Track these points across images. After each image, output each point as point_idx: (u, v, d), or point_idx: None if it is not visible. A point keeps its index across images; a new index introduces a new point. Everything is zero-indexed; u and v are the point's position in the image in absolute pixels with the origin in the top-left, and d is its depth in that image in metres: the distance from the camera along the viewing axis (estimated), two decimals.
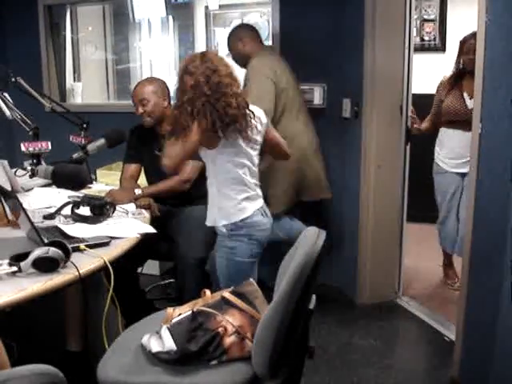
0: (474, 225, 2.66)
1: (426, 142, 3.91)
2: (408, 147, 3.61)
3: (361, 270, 3.81)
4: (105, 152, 3.18)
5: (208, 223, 2.57)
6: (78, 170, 2.35)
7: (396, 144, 3.65)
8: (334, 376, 2.95)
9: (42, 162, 2.57)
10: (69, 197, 2.69)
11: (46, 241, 2.07)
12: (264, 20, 5.33)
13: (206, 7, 5.53)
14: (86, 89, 5.04)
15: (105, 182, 3.54)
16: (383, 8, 3.42)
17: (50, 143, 2.36)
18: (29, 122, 2.39)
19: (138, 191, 2.99)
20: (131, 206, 2.83)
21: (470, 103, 3.38)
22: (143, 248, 2.92)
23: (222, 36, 5.47)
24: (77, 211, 2.56)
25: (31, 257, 1.87)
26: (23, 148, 2.30)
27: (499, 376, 2.50)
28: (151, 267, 4.08)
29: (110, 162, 4.04)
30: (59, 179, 2.28)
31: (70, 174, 2.30)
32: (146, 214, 2.75)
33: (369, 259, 3.78)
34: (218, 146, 2.40)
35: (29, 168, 2.33)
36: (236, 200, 2.48)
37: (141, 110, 3.11)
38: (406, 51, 3.53)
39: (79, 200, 2.61)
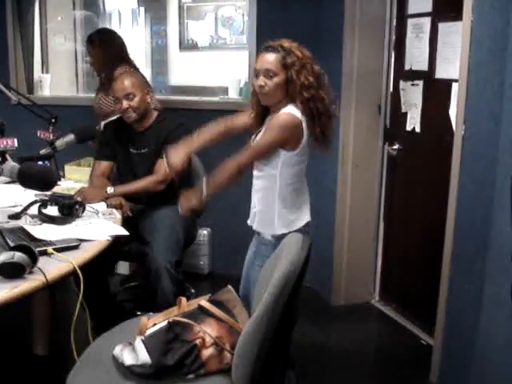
0: (456, 228, 2.62)
1: None
2: (386, 146, 3.54)
3: (336, 271, 3.75)
4: (73, 146, 3.05)
5: (264, 231, 2.40)
6: (46, 171, 2.22)
7: (374, 143, 3.59)
8: (308, 381, 2.87)
9: (9, 159, 2.44)
10: (36, 195, 2.56)
11: (11, 244, 1.96)
12: (239, 14, 5.23)
13: None
14: (55, 81, 4.87)
15: (73, 178, 3.40)
16: (364, 5, 3.36)
17: (16, 140, 2.23)
18: None
19: (110, 190, 2.88)
20: (101, 206, 2.71)
21: None
22: (114, 249, 2.82)
23: (195, 29, 5.37)
24: (44, 211, 2.43)
25: None
26: None
27: (479, 381, 2.47)
28: (121, 266, 3.99)
29: (79, 158, 3.89)
30: (25, 180, 2.15)
31: (36, 175, 2.17)
32: (118, 215, 2.63)
33: (344, 260, 3.73)
34: (298, 147, 2.28)
35: None
36: (295, 207, 2.37)
37: (126, 105, 2.96)
38: (386, 50, 3.45)
39: (47, 199, 2.48)
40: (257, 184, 2.41)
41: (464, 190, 2.56)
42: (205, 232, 4.17)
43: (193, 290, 3.59)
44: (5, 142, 2.16)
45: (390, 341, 3.37)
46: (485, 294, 2.43)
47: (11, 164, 2.16)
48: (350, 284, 3.77)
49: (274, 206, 2.34)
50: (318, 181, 3.77)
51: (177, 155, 2.44)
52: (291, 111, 2.25)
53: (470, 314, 2.54)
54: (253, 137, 2.43)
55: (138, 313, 2.95)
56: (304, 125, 2.26)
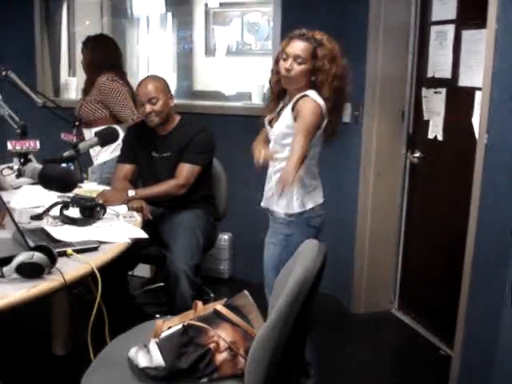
0: (477, 238, 2.58)
1: None
2: (409, 154, 3.51)
3: (356, 279, 3.72)
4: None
5: (280, 210, 2.51)
6: (67, 173, 2.25)
7: (396, 151, 3.56)
8: None
9: (33, 160, 2.47)
10: (58, 196, 2.59)
11: (31, 244, 1.98)
12: (265, 20, 5.24)
13: (206, 5, 5.43)
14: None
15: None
16: (388, 11, 3.35)
17: (38, 142, 2.25)
18: (17, 119, 2.28)
19: (131, 193, 2.89)
20: (123, 208, 2.74)
21: None
22: (134, 252, 2.84)
23: (221, 34, 5.39)
24: (66, 212, 2.47)
25: (15, 262, 1.78)
26: (10, 146, 2.19)
27: None
28: (142, 269, 3.99)
29: None
30: (46, 181, 2.18)
31: (57, 177, 2.19)
32: (138, 218, 2.65)
33: (365, 268, 3.71)
34: (317, 133, 2.43)
35: (15, 167, 2.23)
36: (311, 188, 2.54)
37: (149, 109, 2.99)
38: (410, 56, 3.43)
39: (69, 200, 2.51)
40: (275, 165, 2.52)
41: (486, 199, 2.52)
42: (226, 237, 4.18)
43: (212, 295, 3.60)
44: (27, 144, 2.18)
45: (409, 351, 3.33)
46: (506, 305, 2.39)
47: (33, 165, 2.19)
48: (370, 292, 3.74)
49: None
50: (340, 188, 3.76)
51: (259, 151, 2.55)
52: (316, 98, 2.39)
53: (490, 326, 2.49)
54: (266, 119, 2.60)
55: (157, 316, 2.97)
56: (324, 112, 2.41)
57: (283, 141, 2.45)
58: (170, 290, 2.81)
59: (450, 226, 3.18)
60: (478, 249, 2.59)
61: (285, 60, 2.41)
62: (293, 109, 2.41)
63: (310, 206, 2.50)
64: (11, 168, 2.23)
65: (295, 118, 2.39)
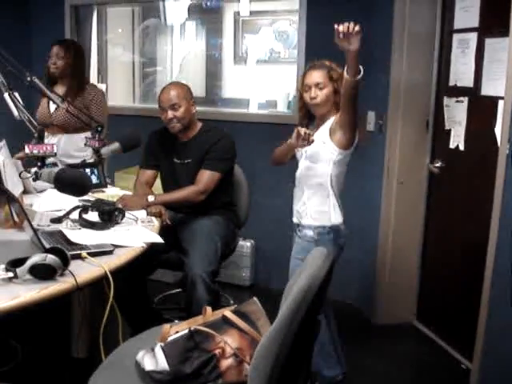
0: (497, 250, 2.54)
1: None
2: (429, 164, 3.47)
3: (378, 289, 3.69)
4: (125, 154, 3.13)
5: (313, 223, 2.72)
6: (80, 177, 2.27)
7: (420, 160, 3.52)
8: None
9: (59, 165, 2.52)
10: (79, 200, 2.63)
11: (47, 246, 2.01)
12: (293, 28, 5.24)
13: (236, 13, 5.45)
14: (112, 91, 5.01)
15: (122, 185, 3.48)
16: (412, 20, 3.33)
17: (55, 146, 2.30)
18: (35, 123, 2.33)
19: (150, 198, 2.92)
20: (142, 213, 2.76)
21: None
22: (153, 256, 2.87)
23: (250, 42, 5.41)
24: (85, 216, 2.50)
25: (28, 263, 1.81)
26: (27, 150, 2.23)
27: None
28: (165, 275, 4.02)
29: (130, 165, 3.98)
30: (61, 184, 2.21)
31: (71, 180, 2.23)
32: (156, 223, 2.67)
33: (387, 278, 3.67)
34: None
35: (33, 171, 2.27)
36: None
37: (171, 115, 3.02)
38: (436, 64, 3.39)
39: (89, 204, 2.55)
40: (308, 181, 2.74)
41: (507, 210, 2.49)
42: (248, 244, 4.18)
43: (232, 301, 3.60)
44: (44, 148, 2.22)
45: (429, 363, 3.27)
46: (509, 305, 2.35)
47: (49, 169, 2.23)
48: (391, 303, 3.70)
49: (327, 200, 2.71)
50: (363, 197, 3.74)
51: None
52: None
53: (509, 339, 2.45)
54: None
55: (176, 321, 2.97)
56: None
57: (319, 156, 2.66)
58: (187, 296, 2.82)
59: (471, 236, 3.13)
60: (498, 260, 2.55)
61: (307, 91, 2.67)
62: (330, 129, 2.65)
63: (340, 219, 2.72)
64: (29, 171, 2.27)
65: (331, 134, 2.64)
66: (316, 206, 2.71)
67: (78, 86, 3.66)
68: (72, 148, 3.64)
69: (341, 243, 2.73)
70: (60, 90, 3.65)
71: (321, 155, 2.66)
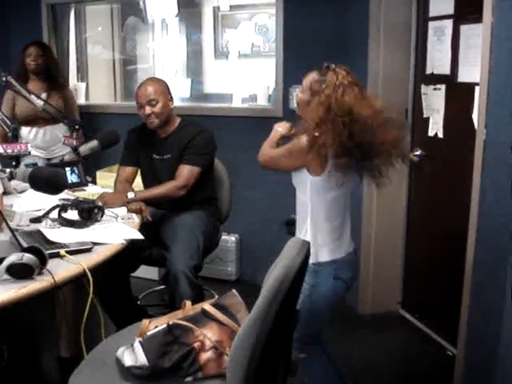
0: (478, 235, 2.55)
1: None
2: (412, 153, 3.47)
3: (363, 280, 3.69)
4: (107, 153, 3.12)
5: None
6: (54, 175, 2.26)
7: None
8: None
9: (39, 164, 2.51)
10: (59, 200, 2.62)
11: (25, 246, 2.00)
12: (273, 21, 5.22)
13: (215, 8, 5.44)
14: (93, 89, 4.99)
15: (104, 183, 3.47)
16: (388, 9, 3.33)
17: (29, 145, 2.28)
18: (8, 122, 2.31)
19: (130, 195, 2.90)
20: (123, 210, 2.75)
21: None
22: (135, 253, 2.87)
23: (230, 37, 5.40)
24: (64, 215, 2.48)
25: (5, 263, 1.81)
26: (1, 149, 2.22)
27: None
28: (150, 272, 4.01)
29: (113, 164, 3.97)
30: (35, 183, 2.20)
31: (45, 178, 2.21)
32: (136, 219, 2.66)
33: (371, 268, 3.68)
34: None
35: (8, 171, 2.25)
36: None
37: (149, 110, 3.00)
38: (413, 53, 3.40)
39: (68, 203, 2.54)
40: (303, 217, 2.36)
41: (486, 196, 2.49)
42: (233, 238, 4.18)
43: (216, 296, 3.59)
44: (18, 147, 2.21)
45: (416, 350, 3.30)
46: (506, 302, 2.35)
47: (23, 169, 2.22)
48: (376, 293, 3.72)
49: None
50: None
51: None
52: None
53: (492, 324, 2.46)
54: None
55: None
56: None
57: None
58: (170, 291, 2.82)
59: (452, 224, 3.14)
60: (478, 247, 2.56)
61: None
62: None
63: (338, 255, 2.31)
64: (3, 171, 2.25)
65: None
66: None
67: (57, 80, 4.10)
68: (61, 134, 3.84)
69: (344, 277, 2.33)
70: (33, 86, 3.89)
71: (297, 177, 2.31)
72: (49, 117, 3.74)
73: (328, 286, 2.28)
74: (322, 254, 2.27)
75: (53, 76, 4.08)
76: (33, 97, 2.82)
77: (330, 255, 2.28)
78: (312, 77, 2.23)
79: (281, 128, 2.41)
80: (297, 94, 2.38)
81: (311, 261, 2.10)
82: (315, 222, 2.27)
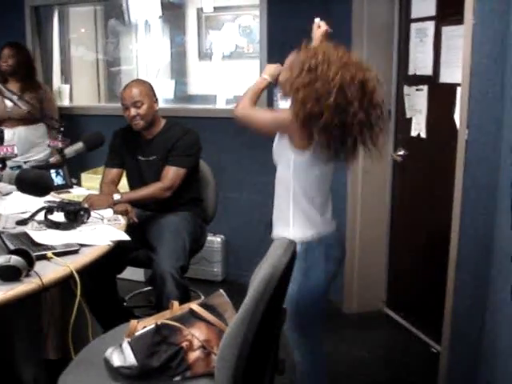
0: (460, 233, 2.59)
1: None
2: (392, 153, 3.51)
3: (348, 278, 3.72)
4: (92, 155, 3.12)
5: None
6: (41, 177, 2.27)
7: (384, 149, 3.55)
8: None
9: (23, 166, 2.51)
10: (45, 202, 2.61)
11: (11, 248, 2.00)
12: (256, 23, 5.24)
13: (199, 9, 5.45)
14: (77, 91, 4.98)
15: (89, 185, 3.47)
16: (371, 10, 3.37)
17: (15, 147, 2.28)
18: None
19: (116, 196, 2.91)
20: (109, 212, 2.75)
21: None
22: (121, 255, 2.87)
23: (214, 38, 5.41)
24: (50, 217, 2.48)
25: None
26: None
27: None
28: (136, 273, 4.01)
29: (97, 166, 3.97)
30: (22, 185, 2.21)
31: (32, 180, 2.22)
32: (122, 221, 2.67)
33: (356, 267, 3.71)
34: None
35: None
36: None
37: (134, 112, 3.01)
38: (395, 54, 3.44)
39: (54, 205, 2.54)
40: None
41: (468, 194, 2.53)
42: (218, 239, 4.19)
43: (203, 297, 3.60)
44: (5, 150, 2.21)
45: (401, 348, 3.34)
46: (489, 299, 2.39)
47: (10, 171, 2.22)
48: (361, 292, 3.75)
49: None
50: None
51: None
52: None
53: (475, 321, 2.49)
54: None
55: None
56: None
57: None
58: (157, 292, 2.82)
59: (435, 223, 3.18)
60: (461, 244, 2.59)
61: None
62: None
63: (324, 232, 2.23)
64: None
65: None
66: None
67: (31, 81, 4.08)
68: (34, 136, 3.90)
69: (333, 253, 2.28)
70: (11, 87, 3.82)
71: (280, 152, 2.19)
72: (19, 117, 3.74)
73: (321, 268, 2.21)
74: (307, 231, 2.18)
75: (27, 76, 4.05)
76: (17, 101, 2.82)
77: (317, 232, 2.19)
78: (291, 56, 2.20)
79: (268, 75, 2.31)
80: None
81: (298, 242, 1.96)
82: (297, 199, 2.17)
